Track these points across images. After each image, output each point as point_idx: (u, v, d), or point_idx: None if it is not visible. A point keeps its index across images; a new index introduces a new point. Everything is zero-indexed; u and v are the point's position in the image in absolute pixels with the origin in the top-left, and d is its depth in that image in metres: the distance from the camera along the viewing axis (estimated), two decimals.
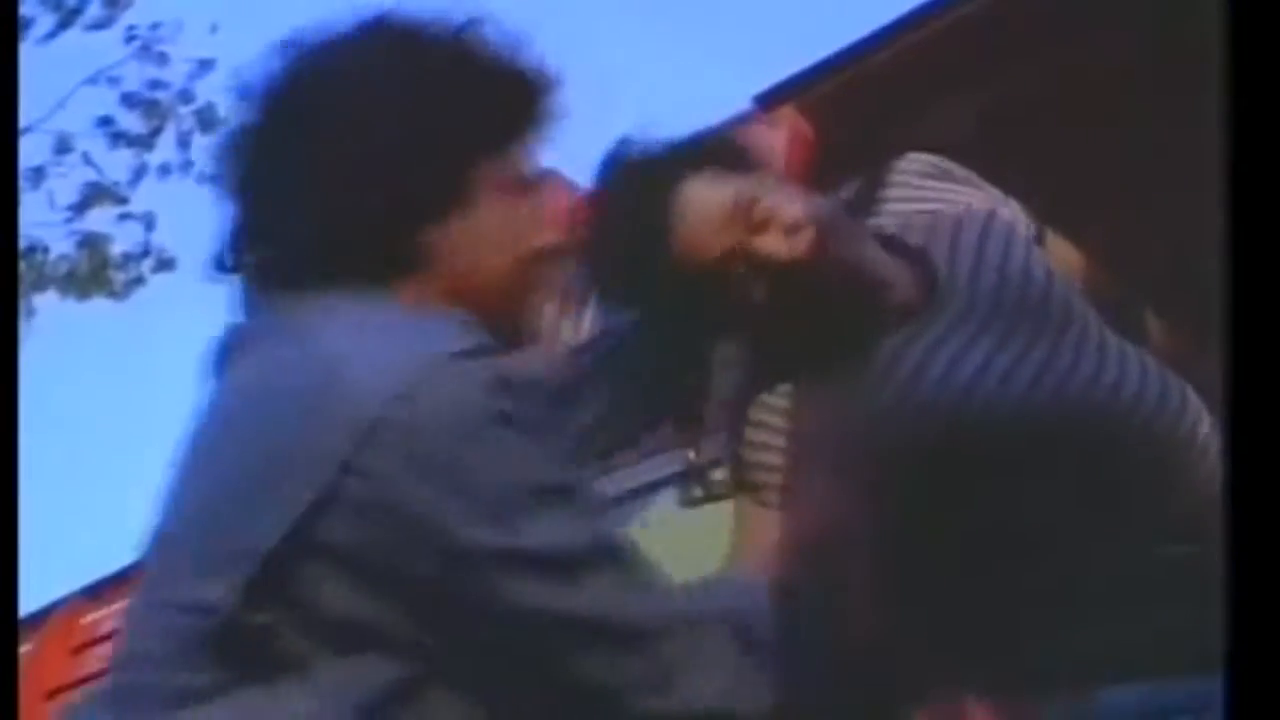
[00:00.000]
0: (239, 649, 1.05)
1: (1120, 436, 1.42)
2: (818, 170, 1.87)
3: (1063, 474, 1.39)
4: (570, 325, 1.72)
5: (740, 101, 2.11)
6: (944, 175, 1.62)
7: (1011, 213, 1.60)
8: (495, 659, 1.06)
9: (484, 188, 1.22)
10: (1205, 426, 1.44)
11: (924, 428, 1.39)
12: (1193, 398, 1.44)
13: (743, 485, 1.46)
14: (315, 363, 1.10)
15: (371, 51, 1.22)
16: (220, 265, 1.23)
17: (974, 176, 1.62)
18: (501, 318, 1.24)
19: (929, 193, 1.60)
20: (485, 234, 1.22)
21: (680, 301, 1.47)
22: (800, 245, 1.42)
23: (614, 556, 1.08)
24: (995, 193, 1.62)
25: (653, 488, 1.68)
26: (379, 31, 1.24)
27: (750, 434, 1.46)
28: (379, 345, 1.12)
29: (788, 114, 2.04)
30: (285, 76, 1.22)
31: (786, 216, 1.43)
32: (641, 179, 1.41)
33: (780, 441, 1.43)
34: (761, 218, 1.43)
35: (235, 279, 1.24)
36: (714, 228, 1.45)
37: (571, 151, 1.50)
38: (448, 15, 1.24)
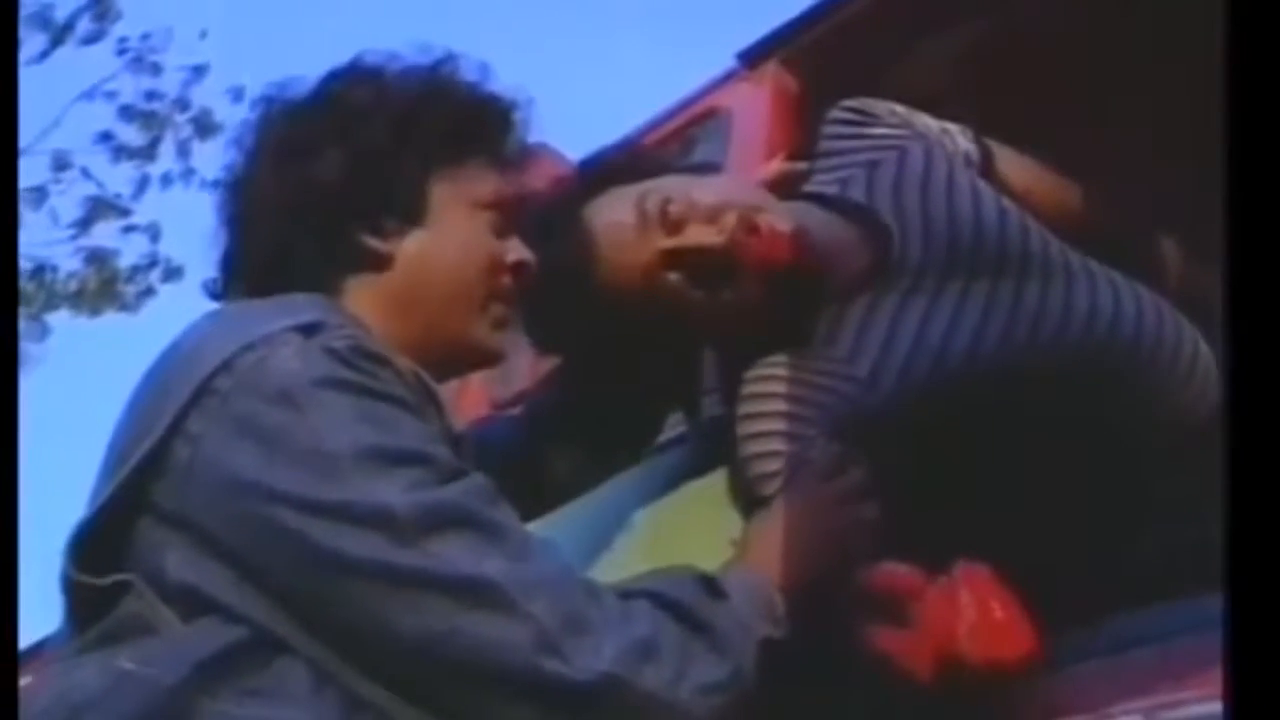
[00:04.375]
0: (83, 609, 1.10)
1: (1103, 365, 1.40)
2: (807, 124, 1.84)
3: (1053, 411, 1.37)
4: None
5: (724, 61, 2.09)
6: (870, 120, 1.57)
7: (950, 144, 1.57)
8: (336, 618, 1.05)
9: (441, 201, 1.26)
10: (1189, 340, 1.42)
11: (904, 395, 1.37)
12: (1169, 312, 1.42)
13: (741, 466, 1.42)
14: (173, 343, 1.17)
15: (335, 84, 1.30)
16: (210, 293, 1.32)
17: (899, 109, 1.58)
18: (460, 330, 1.26)
19: (860, 143, 1.57)
20: (442, 245, 1.26)
21: (624, 332, 1.43)
22: (729, 227, 1.38)
23: (468, 522, 1.07)
24: (924, 122, 1.58)
25: (660, 449, 1.66)
26: (344, 70, 1.32)
27: (744, 407, 1.43)
28: (224, 324, 1.17)
29: (771, 69, 2.01)
30: (258, 123, 1.30)
31: (703, 205, 1.40)
32: (537, 228, 1.36)
33: (776, 406, 1.40)
34: (677, 215, 1.40)
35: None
36: (629, 245, 1.42)
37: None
38: (422, 54, 1.30)
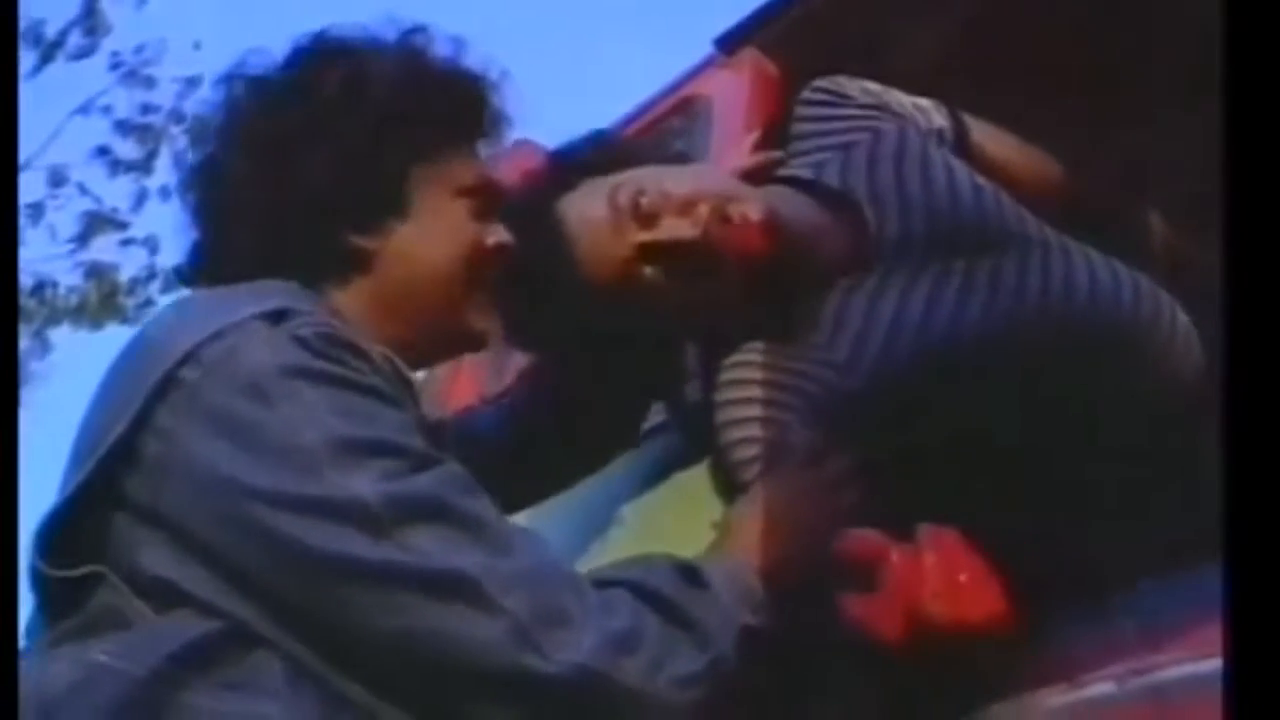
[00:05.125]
0: (54, 603, 1.09)
1: (1082, 339, 1.39)
2: (787, 109, 1.83)
3: (1034, 388, 1.36)
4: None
5: (702, 48, 2.08)
6: (842, 100, 1.56)
7: (925, 121, 1.55)
8: (312, 613, 1.04)
9: (423, 191, 1.24)
10: (1167, 312, 1.40)
11: (884, 377, 1.35)
12: (1147, 285, 1.41)
13: (721, 454, 1.41)
14: (139, 333, 1.16)
15: (307, 69, 1.27)
16: (181, 278, 1.30)
17: (871, 87, 1.57)
18: (447, 317, 1.25)
19: (833, 124, 1.55)
20: (424, 236, 1.24)
21: (602, 327, 1.41)
22: (703, 218, 1.37)
23: (443, 514, 1.05)
24: (898, 100, 1.57)
25: (645, 439, 1.65)
26: (315, 49, 1.28)
27: (722, 394, 1.42)
28: (190, 312, 1.16)
29: (750, 55, 1.99)
30: (225, 105, 1.27)
31: (677, 197, 1.39)
32: (511, 224, 1.34)
33: (754, 393, 1.38)
34: (650, 208, 1.39)
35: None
36: (603, 240, 1.40)
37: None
38: (387, 27, 1.27)
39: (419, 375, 1.37)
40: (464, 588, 1.02)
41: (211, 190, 1.26)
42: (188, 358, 1.08)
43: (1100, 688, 1.08)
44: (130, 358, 1.14)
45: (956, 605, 1.11)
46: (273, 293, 1.15)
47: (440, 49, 1.30)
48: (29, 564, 1.10)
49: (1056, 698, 1.11)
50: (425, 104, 1.27)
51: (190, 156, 1.30)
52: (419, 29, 1.29)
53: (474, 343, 1.33)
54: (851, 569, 1.16)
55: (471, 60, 1.31)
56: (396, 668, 1.04)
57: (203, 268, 1.28)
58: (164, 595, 1.06)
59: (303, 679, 1.04)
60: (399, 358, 1.22)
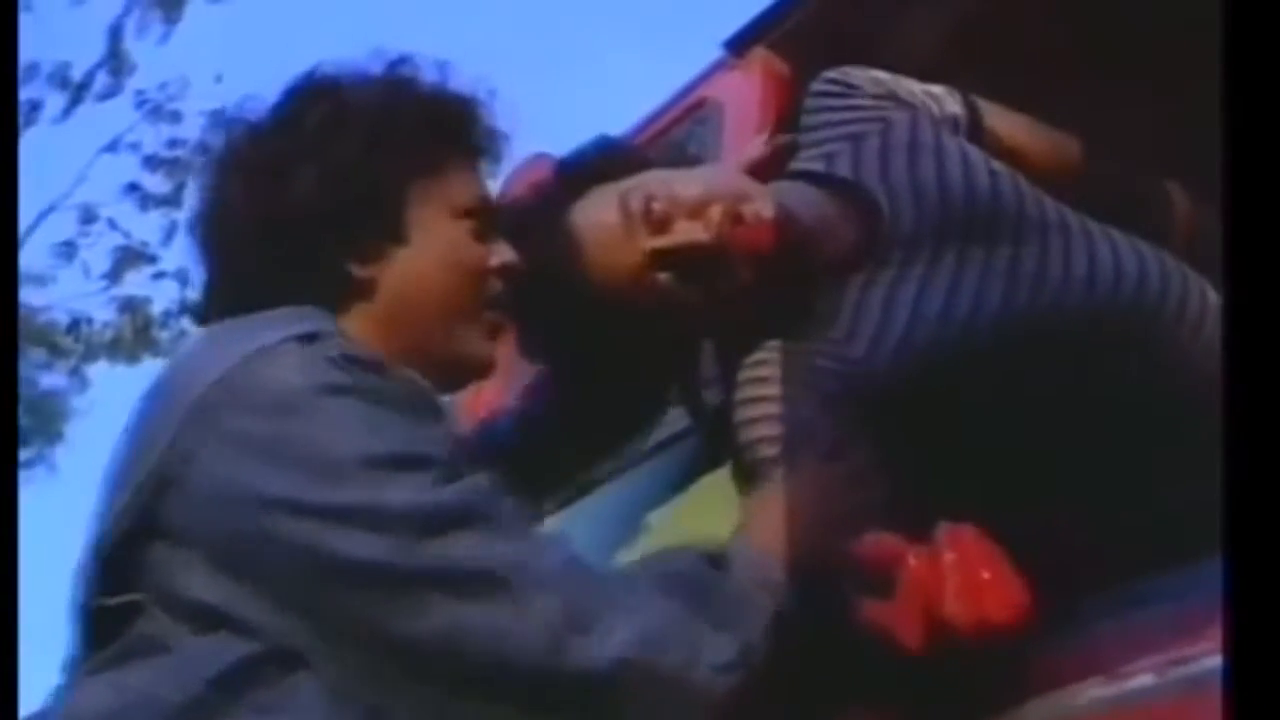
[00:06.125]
0: (95, 634, 1.09)
1: (1107, 325, 1.36)
2: (798, 106, 1.81)
3: (1059, 376, 1.33)
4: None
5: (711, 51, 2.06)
6: (851, 91, 1.54)
7: (936, 109, 1.53)
8: (350, 625, 1.05)
9: (420, 215, 1.25)
10: (1195, 294, 1.37)
11: (904, 370, 1.33)
12: (1174, 266, 1.38)
13: (741, 453, 1.39)
14: (171, 362, 1.19)
15: (294, 104, 1.29)
16: (198, 318, 1.33)
17: (881, 77, 1.55)
18: (453, 343, 1.25)
19: (843, 115, 1.53)
20: (425, 260, 1.25)
21: (617, 336, 1.40)
22: (715, 220, 1.35)
23: (472, 521, 1.05)
24: (908, 88, 1.55)
25: (661, 447, 1.63)
26: (302, 87, 1.30)
27: (741, 393, 1.40)
28: (219, 341, 1.17)
29: (760, 55, 1.98)
30: (222, 146, 1.30)
31: (687, 200, 1.36)
32: (521, 235, 1.33)
33: (773, 391, 1.36)
34: (661, 213, 1.36)
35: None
36: (616, 247, 1.38)
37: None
38: (374, 61, 1.28)
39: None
40: (497, 587, 1.03)
41: (211, 229, 1.29)
42: (217, 382, 1.09)
43: (1139, 680, 1.06)
44: (162, 387, 1.15)
45: (978, 605, 1.08)
46: (303, 317, 1.16)
47: (426, 75, 1.30)
48: (71, 598, 1.12)
49: (1095, 690, 1.09)
50: (411, 128, 1.27)
51: (194, 203, 1.33)
52: (404, 59, 1.30)
53: (480, 370, 1.32)
54: (868, 574, 1.13)
55: (458, 82, 1.31)
56: (436, 673, 1.04)
57: (213, 306, 1.29)
58: (203, 618, 1.06)
59: (342, 701, 1.04)
60: None
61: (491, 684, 1.03)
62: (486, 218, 1.31)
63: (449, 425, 1.21)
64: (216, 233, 1.28)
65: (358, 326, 1.23)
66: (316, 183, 1.22)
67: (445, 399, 1.29)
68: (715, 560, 1.14)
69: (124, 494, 1.10)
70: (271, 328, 1.14)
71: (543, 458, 1.53)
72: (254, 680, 1.03)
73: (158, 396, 1.15)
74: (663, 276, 1.39)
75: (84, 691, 1.07)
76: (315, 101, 1.27)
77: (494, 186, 1.40)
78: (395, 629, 1.03)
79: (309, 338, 1.12)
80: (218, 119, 1.33)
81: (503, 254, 1.31)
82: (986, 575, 1.09)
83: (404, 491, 1.04)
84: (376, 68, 1.30)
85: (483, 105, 1.32)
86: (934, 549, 1.11)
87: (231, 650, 1.04)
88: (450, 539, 1.04)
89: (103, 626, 1.09)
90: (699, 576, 1.11)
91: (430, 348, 1.26)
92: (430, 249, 1.27)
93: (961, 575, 1.09)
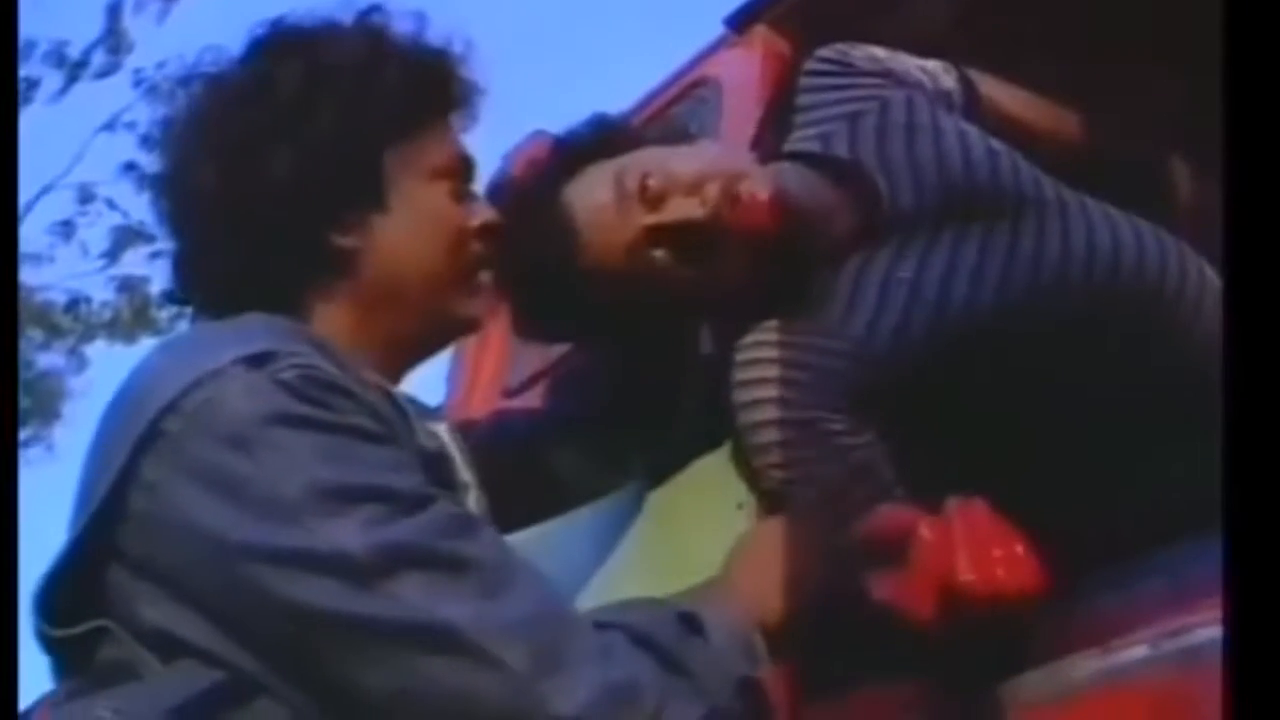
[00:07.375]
0: (62, 660, 1.08)
1: (1107, 303, 1.36)
2: (797, 84, 1.80)
3: (1059, 354, 1.33)
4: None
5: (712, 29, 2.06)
6: (847, 70, 1.53)
7: (932, 85, 1.53)
8: (307, 667, 1.01)
9: (398, 178, 1.21)
10: (1194, 271, 1.37)
11: (903, 350, 1.33)
12: (1173, 244, 1.38)
13: (740, 435, 1.39)
14: (128, 379, 1.12)
15: (265, 63, 1.22)
16: (171, 298, 1.29)
17: (877, 54, 1.54)
18: (439, 307, 1.23)
19: (840, 94, 1.52)
20: (407, 228, 1.21)
21: (613, 314, 1.39)
22: (711, 198, 1.34)
23: (429, 561, 1.01)
24: (904, 65, 1.54)
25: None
26: (271, 41, 1.24)
27: (738, 375, 1.39)
28: (174, 358, 1.12)
29: (760, 33, 1.97)
30: (186, 108, 1.24)
31: (683, 177, 1.36)
32: (517, 215, 1.32)
33: (771, 373, 1.36)
34: (657, 189, 1.36)
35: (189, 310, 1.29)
36: (611, 225, 1.38)
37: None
38: (344, 9, 1.23)
39: (435, 365, 1.36)
40: (451, 639, 0.99)
41: (182, 201, 1.23)
42: (170, 408, 1.05)
43: (1134, 652, 1.06)
44: (118, 408, 1.12)
45: (992, 573, 1.08)
46: (256, 333, 1.11)
47: (400, 26, 1.25)
48: (33, 627, 1.09)
49: (1090, 663, 1.09)
50: (389, 90, 1.21)
51: (156, 165, 1.26)
52: (375, 8, 1.25)
53: (468, 327, 1.30)
54: (879, 547, 1.13)
55: (434, 35, 1.26)
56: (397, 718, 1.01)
57: (187, 285, 1.25)
58: (168, 647, 1.04)
59: None
60: (393, 356, 1.20)
61: None
62: (465, 177, 1.27)
63: (420, 440, 1.15)
64: (186, 208, 1.23)
65: (340, 306, 1.20)
66: (293, 161, 1.18)
67: (418, 411, 1.21)
68: (690, 619, 1.10)
69: (81, 519, 1.07)
70: (223, 344, 1.09)
71: (551, 456, 1.51)
72: (221, 708, 1.01)
73: (113, 417, 1.11)
74: (658, 254, 1.38)
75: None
76: (286, 60, 1.21)
77: (469, 143, 1.32)
78: (350, 678, 1.00)
79: (259, 359, 1.07)
80: (179, 80, 1.26)
81: (484, 214, 1.28)
82: (998, 545, 1.09)
83: (352, 528, 1.00)
84: (347, 17, 1.24)
85: (460, 59, 1.27)
86: (945, 520, 1.10)
87: (199, 678, 1.02)
88: (406, 579, 1.00)
89: (70, 653, 1.08)
90: (671, 634, 1.07)
91: (416, 315, 1.22)
92: (410, 216, 1.22)
93: (974, 544, 1.08)
